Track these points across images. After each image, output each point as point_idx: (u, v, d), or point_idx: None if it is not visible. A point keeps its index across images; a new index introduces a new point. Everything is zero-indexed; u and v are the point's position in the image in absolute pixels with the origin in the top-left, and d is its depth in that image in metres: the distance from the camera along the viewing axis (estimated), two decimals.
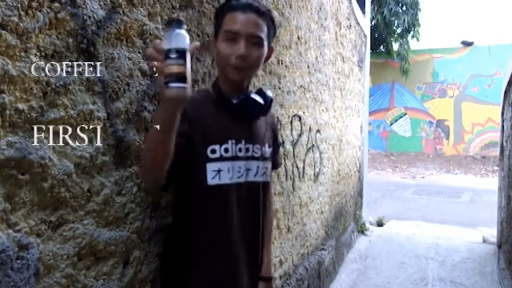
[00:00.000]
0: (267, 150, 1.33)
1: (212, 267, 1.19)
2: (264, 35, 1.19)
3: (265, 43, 1.21)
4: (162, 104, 0.98)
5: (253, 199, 1.29)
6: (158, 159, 1.01)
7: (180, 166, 1.09)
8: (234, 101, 1.22)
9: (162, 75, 0.89)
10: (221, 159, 1.18)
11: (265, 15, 1.20)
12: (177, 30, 0.90)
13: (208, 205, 1.20)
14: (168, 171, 1.05)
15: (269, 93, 1.30)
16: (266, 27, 1.20)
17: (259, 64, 1.23)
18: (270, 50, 1.28)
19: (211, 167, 1.17)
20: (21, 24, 0.81)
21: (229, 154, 1.20)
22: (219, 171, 1.18)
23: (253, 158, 1.27)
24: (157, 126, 0.96)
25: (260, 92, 1.29)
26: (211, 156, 1.17)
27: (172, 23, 0.91)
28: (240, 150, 1.23)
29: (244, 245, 1.25)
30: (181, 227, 1.23)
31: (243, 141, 1.24)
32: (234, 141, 1.21)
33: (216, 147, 1.18)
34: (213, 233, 1.20)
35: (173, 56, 0.88)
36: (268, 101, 1.29)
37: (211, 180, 1.17)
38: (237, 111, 1.23)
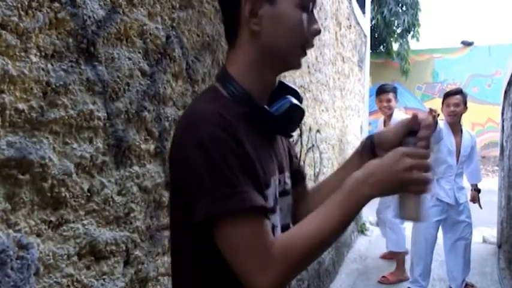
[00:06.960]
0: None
1: None
2: None
3: None
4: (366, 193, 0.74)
5: None
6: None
7: None
8: (271, 111, 0.79)
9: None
10: (272, 210, 0.80)
11: None
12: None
13: None
14: None
15: (297, 89, 0.89)
16: None
17: None
18: None
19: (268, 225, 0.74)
20: (21, 24, 0.81)
21: (272, 199, 0.80)
22: (273, 228, 0.79)
23: (285, 193, 0.88)
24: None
25: (286, 89, 0.87)
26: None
27: None
28: (276, 187, 0.83)
29: None
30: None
31: (277, 173, 0.84)
32: (275, 177, 0.82)
33: (267, 193, 0.78)
34: None
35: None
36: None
37: None
38: (279, 126, 0.81)
